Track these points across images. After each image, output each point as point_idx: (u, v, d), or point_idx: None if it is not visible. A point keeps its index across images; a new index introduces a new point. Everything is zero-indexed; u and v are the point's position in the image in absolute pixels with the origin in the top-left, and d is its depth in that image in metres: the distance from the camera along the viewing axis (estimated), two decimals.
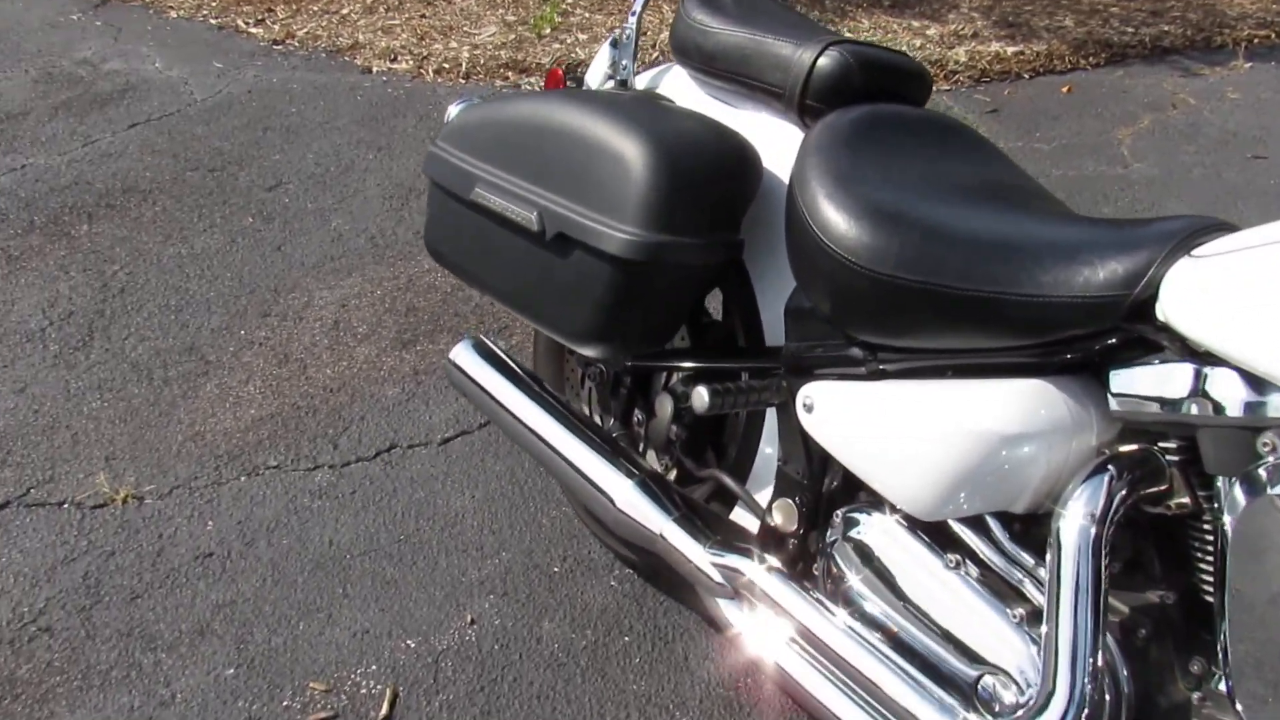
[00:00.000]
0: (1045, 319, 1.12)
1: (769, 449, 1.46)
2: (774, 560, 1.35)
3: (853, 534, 1.30)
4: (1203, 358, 1.03)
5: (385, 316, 2.65)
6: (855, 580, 1.29)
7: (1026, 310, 1.12)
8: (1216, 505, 1.04)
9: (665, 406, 1.60)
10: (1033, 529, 1.19)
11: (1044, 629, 1.07)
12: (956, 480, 1.16)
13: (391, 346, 2.54)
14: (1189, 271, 1.03)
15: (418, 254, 2.91)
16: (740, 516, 1.53)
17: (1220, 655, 1.05)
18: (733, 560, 1.36)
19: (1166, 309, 1.05)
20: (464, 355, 1.76)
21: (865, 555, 1.28)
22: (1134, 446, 1.12)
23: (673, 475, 1.64)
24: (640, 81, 1.66)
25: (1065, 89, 3.91)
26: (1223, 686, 1.07)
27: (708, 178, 1.34)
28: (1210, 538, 1.07)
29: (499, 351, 1.76)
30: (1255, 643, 0.98)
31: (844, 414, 1.27)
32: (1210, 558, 1.07)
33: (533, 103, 1.49)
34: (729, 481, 1.50)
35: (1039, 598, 1.15)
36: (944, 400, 1.18)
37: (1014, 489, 1.15)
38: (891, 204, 1.20)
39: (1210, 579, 1.08)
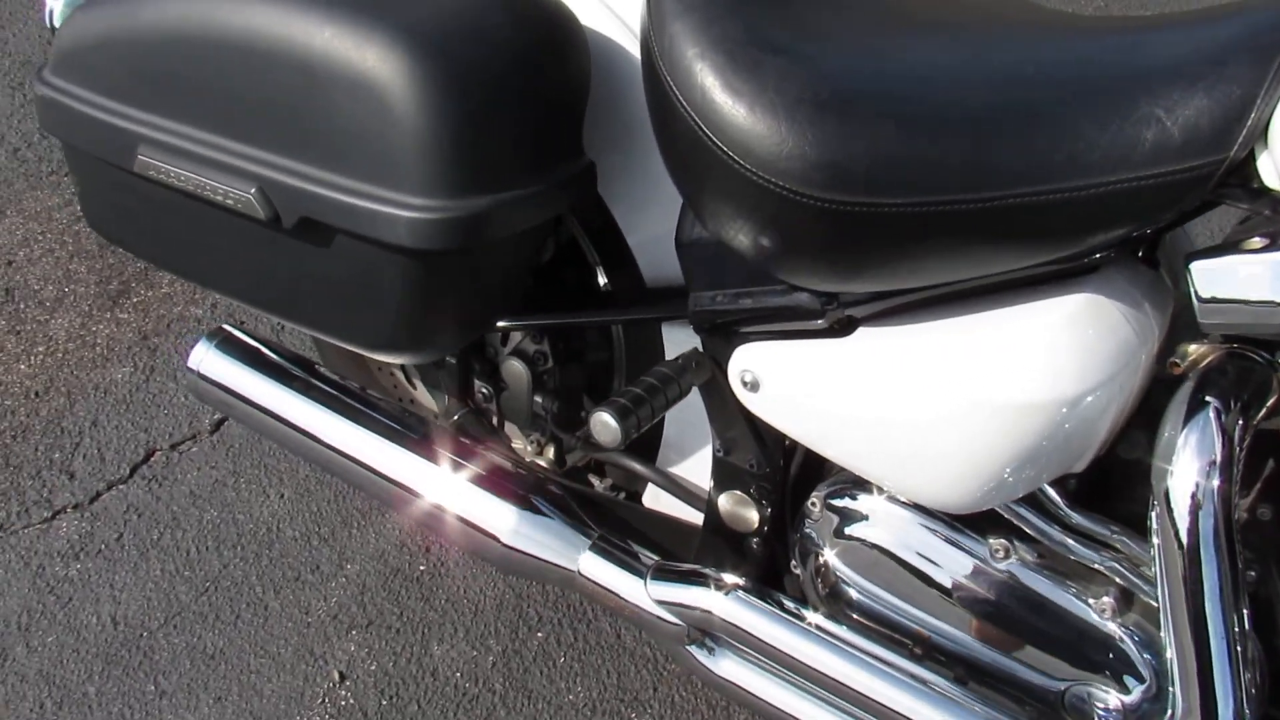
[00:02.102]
0: (1098, 216, 0.74)
1: (685, 420, 1.06)
2: (735, 577, 0.99)
3: (847, 529, 0.95)
4: None
5: (74, 264, 1.99)
6: (862, 588, 0.95)
7: (1071, 211, 0.74)
8: None
9: (518, 374, 1.16)
10: (1094, 482, 0.88)
11: (1163, 617, 0.78)
12: (999, 465, 0.81)
13: (97, 306, 1.91)
14: None
15: None
16: (654, 496, 1.16)
17: None
18: (684, 593, 0.99)
19: None
20: (209, 359, 1.24)
21: (870, 553, 0.95)
22: (1211, 349, 0.80)
23: (549, 455, 1.23)
24: None
25: None
26: None
27: (522, 83, 0.84)
28: None
29: (256, 343, 1.24)
30: None
31: (810, 389, 0.88)
32: None
33: None
34: (643, 469, 1.11)
35: (1126, 575, 0.85)
36: (961, 356, 0.81)
37: (1076, 452, 0.82)
38: (835, 80, 0.75)
39: None
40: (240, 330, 1.26)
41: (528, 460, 1.23)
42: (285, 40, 0.82)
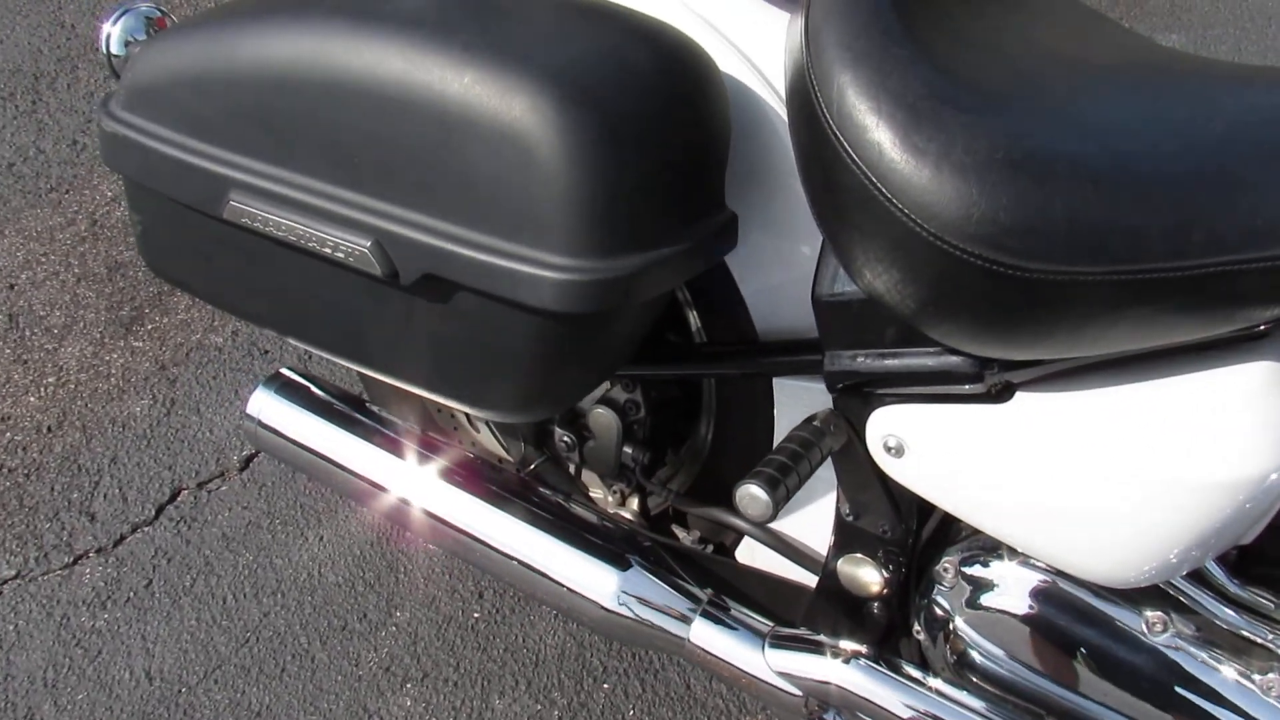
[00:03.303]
0: None
1: None
2: (858, 644, 0.94)
3: (983, 595, 0.91)
4: None
5: (81, 288, 1.89)
6: (996, 656, 0.91)
7: (1271, 280, 0.70)
8: None
9: (608, 424, 1.10)
10: (1254, 552, 0.85)
11: None
12: (1172, 542, 0.77)
13: (109, 334, 1.81)
14: None
15: (91, 174, 2.08)
16: (749, 551, 1.10)
17: None
18: (809, 663, 0.95)
19: None
20: (269, 405, 1.17)
21: (1009, 621, 0.90)
22: None
23: (633, 506, 1.17)
24: None
25: None
26: None
27: (672, 132, 0.78)
28: None
29: (316, 388, 1.17)
30: None
31: (963, 456, 0.83)
32: None
33: (300, 26, 0.82)
34: (749, 526, 1.06)
35: None
36: (1136, 427, 0.77)
37: (1247, 526, 0.79)
38: (1028, 139, 0.70)
39: None
40: (297, 374, 1.19)
41: (610, 512, 1.17)
42: (417, 84, 0.76)
